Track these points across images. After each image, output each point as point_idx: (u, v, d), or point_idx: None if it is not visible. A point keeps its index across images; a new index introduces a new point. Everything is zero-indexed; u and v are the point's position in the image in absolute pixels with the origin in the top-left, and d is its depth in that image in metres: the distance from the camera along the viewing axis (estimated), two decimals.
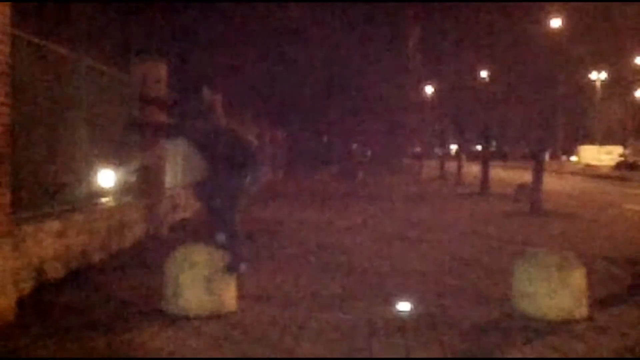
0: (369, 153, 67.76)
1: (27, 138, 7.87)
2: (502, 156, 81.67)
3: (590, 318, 6.77)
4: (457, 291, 8.09)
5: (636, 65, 42.89)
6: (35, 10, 16.36)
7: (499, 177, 32.83)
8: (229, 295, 6.91)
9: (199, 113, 7.00)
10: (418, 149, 59.82)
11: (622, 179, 40.16)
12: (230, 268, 6.92)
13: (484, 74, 26.71)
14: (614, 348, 5.95)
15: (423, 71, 36.53)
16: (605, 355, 5.77)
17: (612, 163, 60.87)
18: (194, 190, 7.67)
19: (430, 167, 47.49)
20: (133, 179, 12.01)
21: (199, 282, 6.72)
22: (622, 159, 60.51)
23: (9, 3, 6.47)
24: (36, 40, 8.33)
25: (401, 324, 6.55)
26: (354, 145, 64.90)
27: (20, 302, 6.72)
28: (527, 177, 22.13)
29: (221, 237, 7.09)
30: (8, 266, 6.36)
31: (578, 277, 6.83)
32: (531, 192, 18.79)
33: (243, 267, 7.08)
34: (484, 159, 27.45)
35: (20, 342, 5.81)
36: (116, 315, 6.76)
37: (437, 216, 17.34)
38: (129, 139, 11.82)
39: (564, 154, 71.26)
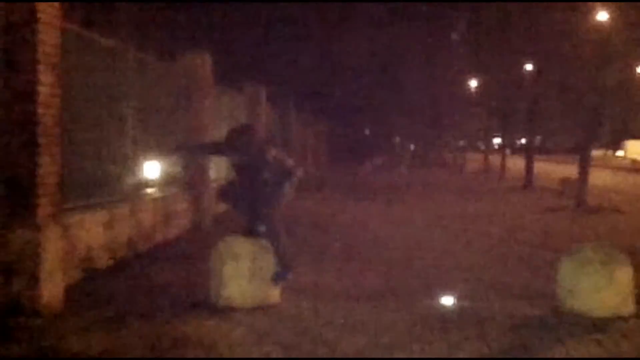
0: (411, 147, 67.36)
1: (76, 129, 7.99)
2: (547, 150, 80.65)
3: (637, 315, 6.67)
4: (501, 286, 8.02)
5: None
6: (82, 3, 16.59)
7: (543, 171, 32.36)
8: (272, 288, 6.95)
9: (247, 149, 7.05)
10: (461, 143, 59.28)
11: None
12: (278, 278, 6.98)
13: (529, 66, 26.36)
14: None
15: (467, 64, 36.18)
16: None
17: None
18: (217, 193, 7.72)
19: (473, 161, 47.11)
20: (179, 170, 12.12)
21: (243, 274, 6.77)
22: None
23: None
24: (85, 32, 8.46)
25: (444, 319, 6.53)
26: (397, 139, 64.70)
27: (69, 291, 6.83)
28: (571, 171, 21.83)
29: (261, 228, 7.13)
30: (56, 253, 6.48)
31: (625, 274, 6.73)
32: (576, 187, 18.52)
33: (290, 276, 7.16)
34: (528, 153, 27.14)
35: (68, 331, 5.92)
36: (162, 305, 6.86)
37: (481, 210, 17.20)
38: (176, 131, 11.94)
39: (610, 148, 70.03)
